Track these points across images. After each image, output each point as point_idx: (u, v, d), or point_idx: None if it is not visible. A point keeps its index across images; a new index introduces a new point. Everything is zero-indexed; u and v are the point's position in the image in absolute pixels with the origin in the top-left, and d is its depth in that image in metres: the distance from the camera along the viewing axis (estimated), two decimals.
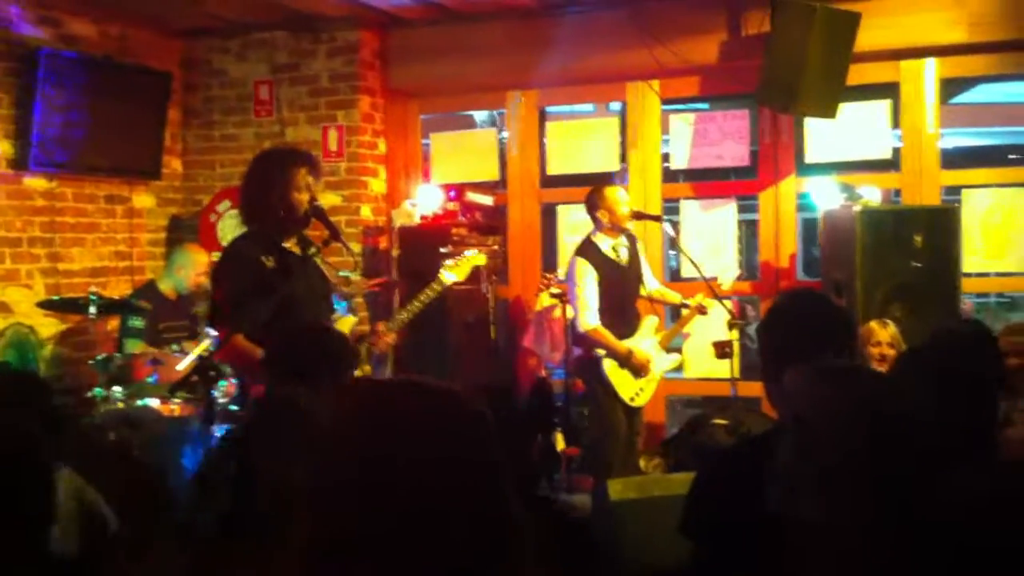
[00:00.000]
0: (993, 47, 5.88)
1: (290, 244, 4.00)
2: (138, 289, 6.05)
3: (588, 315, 5.32)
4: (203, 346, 4.92)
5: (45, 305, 5.47)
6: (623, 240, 5.50)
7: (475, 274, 5.86)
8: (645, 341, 5.48)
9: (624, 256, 5.49)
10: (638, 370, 5.38)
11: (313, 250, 4.04)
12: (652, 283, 5.70)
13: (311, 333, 3.31)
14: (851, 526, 1.61)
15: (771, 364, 2.32)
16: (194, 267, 5.90)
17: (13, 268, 5.69)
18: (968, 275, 6.00)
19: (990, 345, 3.22)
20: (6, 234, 5.66)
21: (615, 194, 5.46)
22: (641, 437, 5.75)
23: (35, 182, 5.84)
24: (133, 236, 6.56)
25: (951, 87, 7.64)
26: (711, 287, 5.50)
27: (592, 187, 5.59)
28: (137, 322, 5.59)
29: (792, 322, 2.36)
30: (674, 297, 5.73)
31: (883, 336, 4.60)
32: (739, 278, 5.89)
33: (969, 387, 2.32)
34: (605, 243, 5.45)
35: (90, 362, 5.23)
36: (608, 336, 5.33)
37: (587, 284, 5.33)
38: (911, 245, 5.30)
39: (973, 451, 2.22)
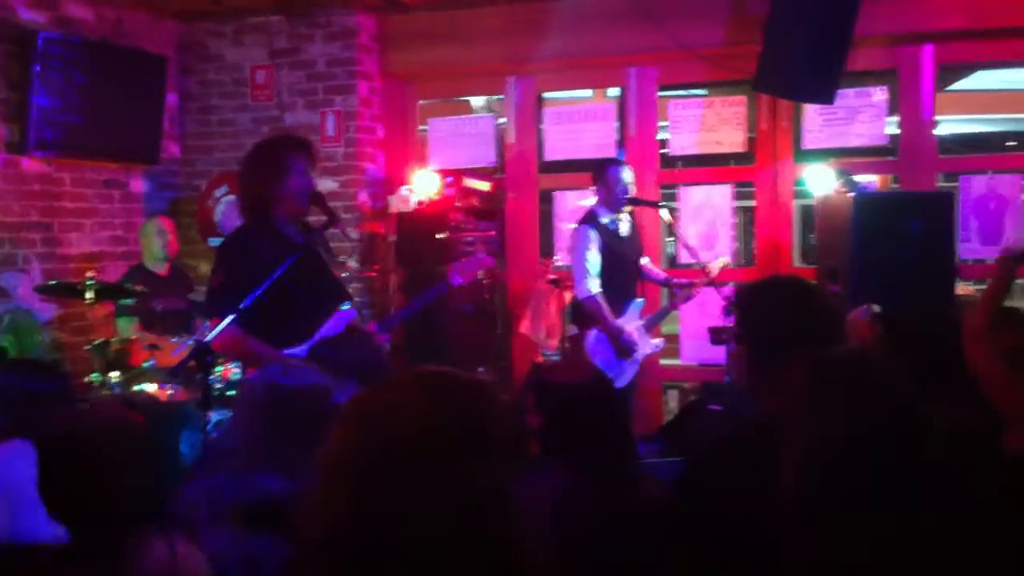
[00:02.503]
0: (991, 33, 5.87)
1: (290, 232, 4.01)
2: (127, 274, 6.06)
3: (589, 281, 5.27)
4: None
5: (43, 290, 5.49)
6: (624, 216, 5.52)
7: None
8: (630, 323, 5.47)
9: (625, 231, 5.51)
10: (623, 351, 5.37)
11: (312, 237, 4.05)
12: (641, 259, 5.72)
13: None
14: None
15: (768, 354, 2.31)
16: (163, 234, 5.98)
17: (11, 252, 5.70)
18: (964, 262, 6.02)
19: None
20: (4, 218, 5.67)
21: (616, 174, 5.45)
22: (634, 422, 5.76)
23: (33, 166, 5.85)
24: (131, 221, 6.56)
25: (949, 74, 7.63)
26: (707, 273, 5.50)
27: (601, 159, 5.60)
28: (127, 301, 5.62)
29: (793, 314, 2.30)
30: (658, 274, 5.75)
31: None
32: (737, 264, 5.89)
33: None
34: (606, 215, 5.46)
35: (87, 347, 5.25)
36: (604, 307, 5.31)
37: (591, 249, 5.32)
38: (906, 231, 5.30)
39: None
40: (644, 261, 5.73)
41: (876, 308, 3.43)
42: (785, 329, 2.28)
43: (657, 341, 5.67)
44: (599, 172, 5.51)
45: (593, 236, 5.34)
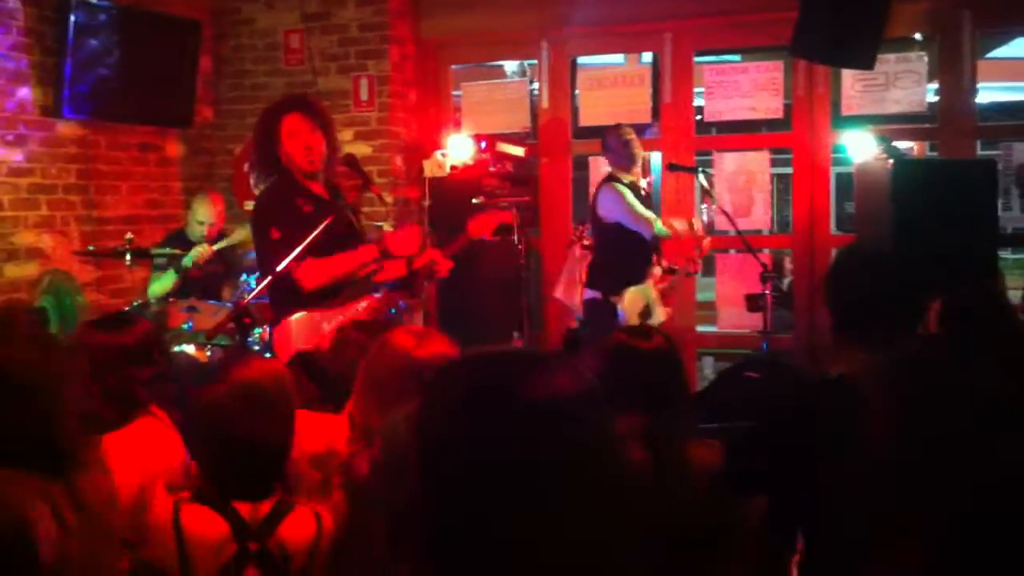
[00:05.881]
0: None
1: (319, 191, 4.00)
2: (166, 238, 6.05)
3: (654, 222, 5.29)
4: None
5: (81, 252, 5.51)
6: (639, 177, 5.62)
7: (507, 226, 5.86)
8: (651, 289, 5.48)
9: (643, 190, 5.59)
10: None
11: (340, 197, 4.05)
12: None
13: None
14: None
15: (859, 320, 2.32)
16: (212, 217, 5.85)
17: (49, 215, 5.72)
18: (1004, 230, 5.95)
19: None
20: (41, 181, 5.69)
21: (616, 137, 5.55)
22: None
23: (69, 129, 5.86)
24: (168, 184, 6.58)
25: (989, 41, 7.51)
26: (744, 240, 5.47)
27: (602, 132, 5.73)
28: (162, 260, 5.57)
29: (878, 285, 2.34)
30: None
31: None
32: (771, 231, 5.85)
33: None
34: (624, 178, 5.53)
35: (126, 309, 5.28)
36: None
37: (634, 200, 5.38)
38: (945, 199, 5.23)
39: None
40: None
41: None
42: (868, 298, 2.31)
43: (666, 309, 5.64)
44: (603, 144, 5.63)
45: (625, 188, 5.43)
